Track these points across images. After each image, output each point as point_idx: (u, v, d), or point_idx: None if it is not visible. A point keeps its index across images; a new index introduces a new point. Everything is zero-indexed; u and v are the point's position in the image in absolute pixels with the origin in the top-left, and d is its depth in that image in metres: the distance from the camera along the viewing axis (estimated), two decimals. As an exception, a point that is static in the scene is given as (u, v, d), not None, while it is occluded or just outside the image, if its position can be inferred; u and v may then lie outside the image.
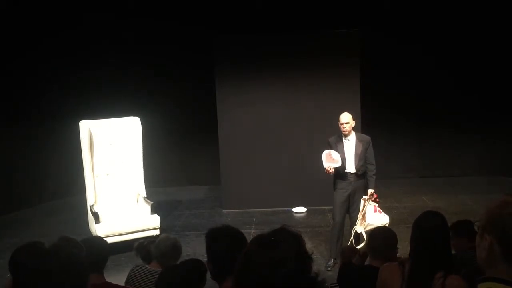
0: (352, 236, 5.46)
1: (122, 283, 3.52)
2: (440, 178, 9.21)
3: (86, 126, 6.49)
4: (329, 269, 5.45)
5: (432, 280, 2.35)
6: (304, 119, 7.74)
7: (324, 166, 5.34)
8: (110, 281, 3.01)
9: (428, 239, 2.40)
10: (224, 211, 8.02)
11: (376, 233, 3.29)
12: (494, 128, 9.16)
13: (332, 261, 5.54)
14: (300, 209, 7.81)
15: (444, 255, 2.43)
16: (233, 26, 8.47)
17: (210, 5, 8.66)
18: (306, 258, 1.35)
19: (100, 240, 3.43)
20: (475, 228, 1.60)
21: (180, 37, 8.95)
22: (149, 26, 8.94)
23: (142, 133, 6.86)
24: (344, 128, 5.37)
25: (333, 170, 5.33)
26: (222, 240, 2.22)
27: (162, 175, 9.31)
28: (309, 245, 6.27)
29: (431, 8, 8.60)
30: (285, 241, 1.34)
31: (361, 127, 7.31)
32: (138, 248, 3.73)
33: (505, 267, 1.39)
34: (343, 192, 5.45)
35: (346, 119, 5.38)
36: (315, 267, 1.40)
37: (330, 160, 5.33)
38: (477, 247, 1.51)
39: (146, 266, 3.56)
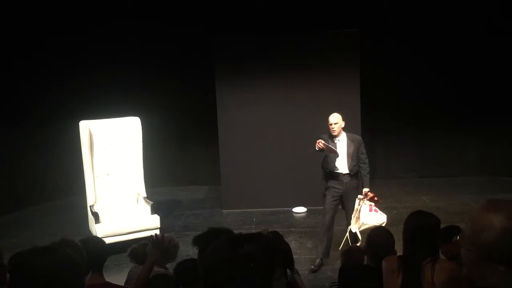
0: (347, 235, 5.46)
1: (122, 283, 3.53)
2: (440, 178, 9.20)
3: (86, 126, 6.49)
4: (314, 267, 5.40)
5: (421, 265, 2.46)
6: (304, 119, 7.72)
7: (320, 141, 5.17)
8: (110, 281, 3.01)
9: (414, 236, 2.57)
10: (224, 211, 8.01)
11: (373, 234, 3.30)
12: (494, 128, 9.15)
13: (318, 261, 5.48)
14: (300, 209, 7.81)
15: (432, 247, 2.56)
16: (233, 26, 8.46)
17: (210, 6, 8.66)
18: (260, 268, 1.29)
19: (98, 240, 3.42)
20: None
21: (180, 37, 8.95)
22: (149, 26, 8.93)
23: (142, 133, 6.87)
24: (332, 128, 5.34)
25: (322, 145, 5.14)
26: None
27: (162, 175, 9.31)
28: (309, 245, 6.28)
29: (431, 8, 8.59)
30: (249, 246, 1.29)
31: (361, 127, 7.32)
32: (132, 254, 3.71)
33: (490, 265, 1.34)
34: (334, 192, 5.43)
35: (335, 120, 5.35)
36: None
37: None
38: (462, 259, 1.46)
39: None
